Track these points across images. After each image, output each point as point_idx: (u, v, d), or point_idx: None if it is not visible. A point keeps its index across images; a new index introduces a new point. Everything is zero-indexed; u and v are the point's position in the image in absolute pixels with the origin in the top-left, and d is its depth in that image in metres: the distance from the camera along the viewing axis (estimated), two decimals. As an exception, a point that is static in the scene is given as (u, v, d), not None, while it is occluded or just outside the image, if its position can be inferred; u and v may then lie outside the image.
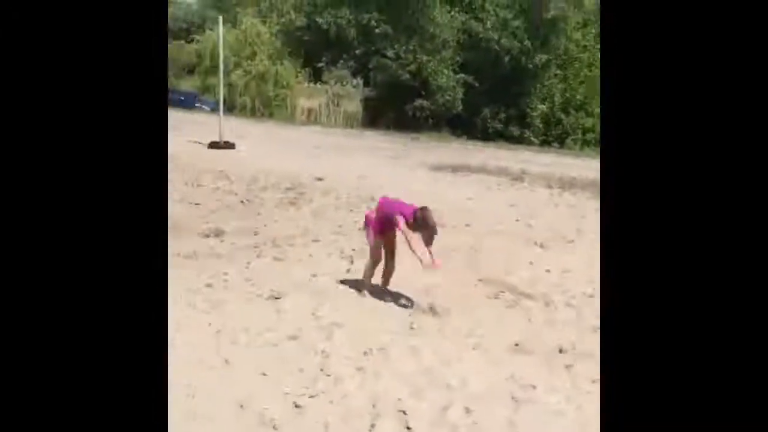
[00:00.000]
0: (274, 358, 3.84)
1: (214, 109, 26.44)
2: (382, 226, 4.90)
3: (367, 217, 5.10)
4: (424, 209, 4.66)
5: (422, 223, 4.61)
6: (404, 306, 4.87)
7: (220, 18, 13.68)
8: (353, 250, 6.31)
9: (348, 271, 5.71)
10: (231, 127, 13.76)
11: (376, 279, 5.15)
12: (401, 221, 4.65)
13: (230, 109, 27.80)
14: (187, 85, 37.16)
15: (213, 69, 31.12)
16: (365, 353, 3.97)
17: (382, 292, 5.06)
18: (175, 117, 19.63)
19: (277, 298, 4.87)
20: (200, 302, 4.70)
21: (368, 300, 4.96)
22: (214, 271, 5.42)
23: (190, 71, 44.48)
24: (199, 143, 13.04)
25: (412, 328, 4.44)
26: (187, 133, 14.54)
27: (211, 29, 31.80)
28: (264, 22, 26.26)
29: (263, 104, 26.22)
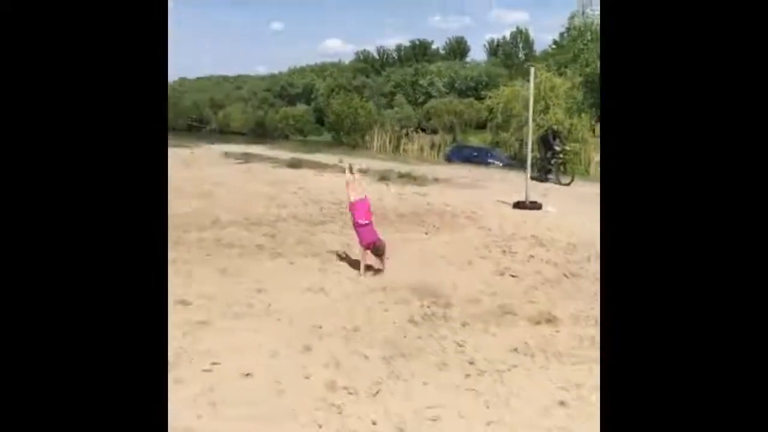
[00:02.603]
0: None
1: (507, 165, 25.91)
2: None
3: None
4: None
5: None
6: None
7: (533, 70, 12.66)
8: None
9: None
10: (528, 183, 12.65)
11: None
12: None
13: (522, 162, 27.06)
14: (475, 140, 37.68)
15: (504, 125, 30.98)
16: None
17: None
18: (474, 173, 19.48)
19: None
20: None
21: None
22: (561, 380, 4.18)
23: (478, 127, 45.42)
24: (503, 202, 12.15)
25: None
26: (492, 191, 13.88)
27: (505, 86, 31.75)
28: (562, 74, 25.07)
29: (557, 159, 24.86)
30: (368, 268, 6.96)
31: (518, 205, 11.69)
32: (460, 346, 4.77)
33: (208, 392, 3.73)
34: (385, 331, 5.02)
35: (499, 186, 15.27)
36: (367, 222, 7.04)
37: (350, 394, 3.84)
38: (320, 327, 5.03)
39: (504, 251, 8.35)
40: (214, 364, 4.12)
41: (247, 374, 3.99)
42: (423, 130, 39.22)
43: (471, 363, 4.42)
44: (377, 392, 3.88)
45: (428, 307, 5.72)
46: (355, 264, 7.26)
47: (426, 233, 9.34)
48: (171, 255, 7.27)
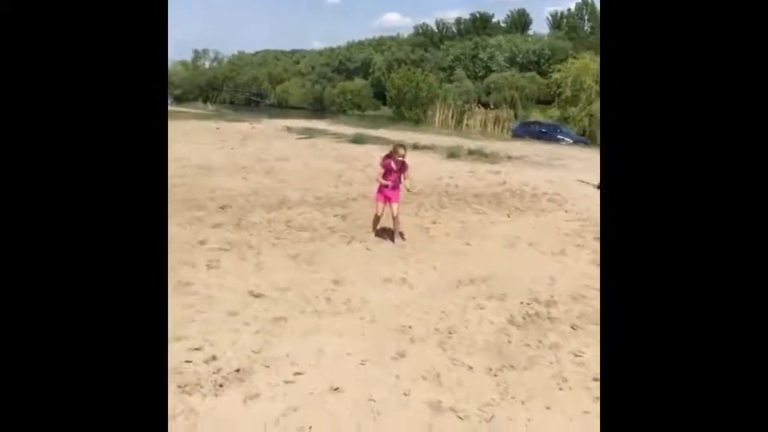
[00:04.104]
0: None
1: (578, 142, 24.72)
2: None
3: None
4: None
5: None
6: None
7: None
8: None
9: None
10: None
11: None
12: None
13: (592, 138, 25.85)
14: (538, 115, 36.32)
15: (573, 99, 29.61)
16: None
17: None
18: (544, 150, 18.50)
19: None
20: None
21: None
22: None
23: (540, 102, 43.85)
24: (585, 182, 11.25)
25: None
26: (571, 170, 12.97)
27: (574, 58, 30.29)
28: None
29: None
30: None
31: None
32: (577, 356, 4.06)
33: (292, 413, 3.13)
34: (484, 335, 4.35)
35: (577, 164, 14.30)
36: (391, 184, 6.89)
37: (460, 419, 3.19)
38: (410, 327, 4.39)
39: (597, 238, 7.53)
40: (297, 374, 3.52)
41: (336, 388, 3.38)
42: (484, 105, 38.02)
43: (596, 380, 3.70)
44: (491, 417, 3.22)
45: (528, 304, 5.02)
46: (436, 251, 6.61)
47: (508, 215, 8.59)
48: (236, 237, 6.76)
